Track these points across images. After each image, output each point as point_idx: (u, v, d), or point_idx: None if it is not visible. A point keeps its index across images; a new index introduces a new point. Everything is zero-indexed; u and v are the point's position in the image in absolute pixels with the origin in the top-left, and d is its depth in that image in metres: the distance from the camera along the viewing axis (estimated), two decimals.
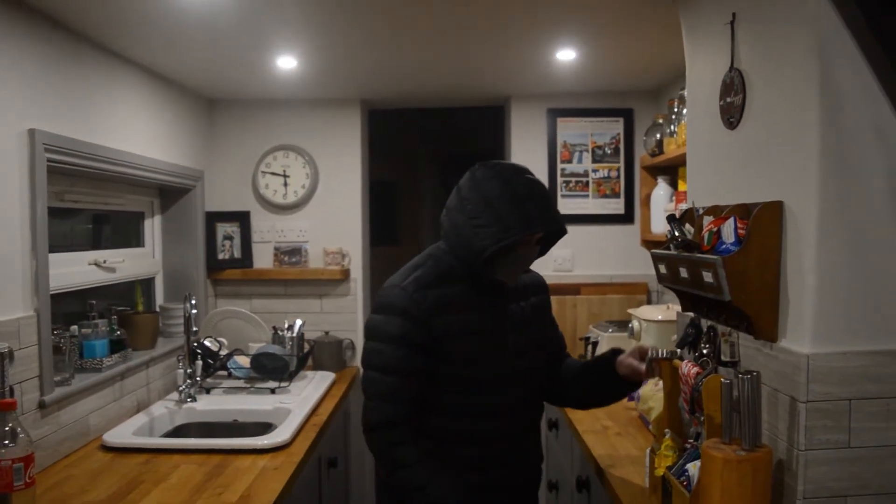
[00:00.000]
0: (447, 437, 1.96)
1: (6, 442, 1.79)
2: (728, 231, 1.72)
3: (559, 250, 3.90)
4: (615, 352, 2.14)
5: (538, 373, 2.13)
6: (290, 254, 3.98)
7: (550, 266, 3.91)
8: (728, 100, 1.90)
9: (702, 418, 1.81)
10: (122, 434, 2.61)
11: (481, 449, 2.00)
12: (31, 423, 2.21)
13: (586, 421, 2.80)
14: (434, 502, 1.87)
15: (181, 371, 3.06)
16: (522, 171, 1.93)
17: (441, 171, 6.63)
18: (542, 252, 2.06)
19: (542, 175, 3.90)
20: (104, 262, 3.05)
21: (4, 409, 1.82)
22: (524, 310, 2.08)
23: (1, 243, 2.18)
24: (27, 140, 2.29)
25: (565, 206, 3.90)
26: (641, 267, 3.83)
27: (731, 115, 1.89)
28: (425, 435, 1.94)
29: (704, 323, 1.98)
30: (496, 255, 1.89)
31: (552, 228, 1.94)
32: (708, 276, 1.70)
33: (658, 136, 3.33)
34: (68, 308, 2.87)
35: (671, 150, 3.11)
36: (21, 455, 1.80)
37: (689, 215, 2.05)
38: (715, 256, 1.67)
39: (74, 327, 2.68)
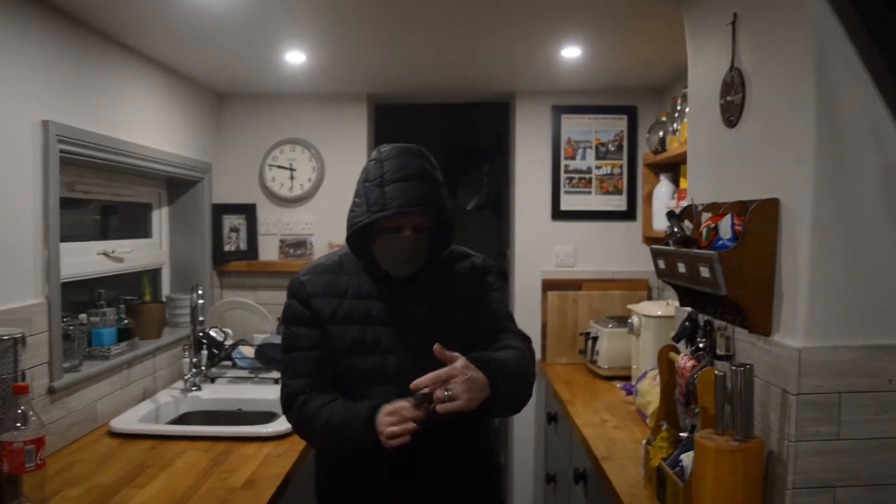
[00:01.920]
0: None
1: (18, 425, 1.84)
2: (725, 227, 1.75)
3: (561, 246, 3.94)
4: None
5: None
6: (296, 246, 4.03)
7: (552, 261, 3.96)
8: (728, 98, 1.94)
9: (696, 410, 1.85)
10: (129, 420, 2.66)
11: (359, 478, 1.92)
12: (40, 407, 2.26)
13: (585, 414, 2.84)
14: (347, 418, 1.78)
15: (187, 360, 3.11)
16: (404, 153, 1.83)
17: (445, 167, 6.66)
18: (443, 243, 1.95)
19: (545, 171, 3.95)
20: (112, 252, 3.10)
21: (17, 392, 1.87)
22: (434, 305, 1.92)
23: (14, 232, 2.23)
24: (41, 131, 2.33)
25: (568, 202, 3.94)
26: (643, 263, 3.86)
27: (731, 114, 1.92)
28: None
29: (701, 317, 2.01)
30: (373, 243, 1.86)
31: (406, 212, 1.77)
32: (705, 271, 1.74)
33: (661, 133, 3.36)
34: (77, 297, 2.92)
35: (674, 147, 3.14)
36: (32, 437, 1.84)
37: (689, 212, 2.08)
38: (712, 252, 1.70)
39: (83, 315, 2.72)
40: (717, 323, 1.92)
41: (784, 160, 1.66)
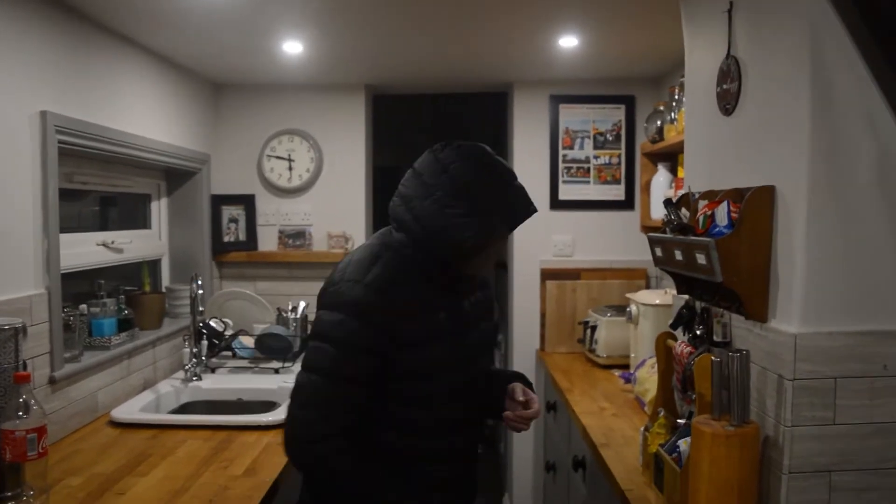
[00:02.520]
0: (397, 456, 1.77)
1: (20, 413, 1.85)
2: (721, 214, 1.76)
3: (560, 235, 3.95)
4: (519, 376, 2.02)
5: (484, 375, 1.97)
6: (295, 237, 4.03)
7: (551, 251, 3.97)
8: (724, 87, 1.94)
9: (694, 397, 1.86)
10: (130, 410, 2.67)
11: (436, 467, 1.82)
12: (41, 397, 2.27)
13: (584, 403, 2.86)
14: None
15: (187, 350, 3.12)
16: (488, 152, 1.74)
17: None
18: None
19: (543, 161, 3.96)
20: (112, 242, 3.11)
21: (19, 381, 1.88)
22: (475, 307, 1.90)
23: (14, 223, 2.23)
24: (39, 122, 2.34)
25: (567, 191, 3.95)
26: (641, 253, 3.87)
27: (728, 102, 1.93)
28: (368, 454, 1.73)
29: (698, 304, 2.02)
30: (474, 249, 1.70)
31: (532, 210, 1.74)
32: (701, 258, 1.75)
33: (659, 123, 3.36)
34: (77, 288, 2.93)
35: (671, 136, 3.14)
36: (34, 426, 1.85)
37: (686, 200, 2.09)
38: (708, 239, 1.71)
39: (83, 306, 2.74)
40: (714, 310, 1.93)
41: (780, 147, 1.67)
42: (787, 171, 1.63)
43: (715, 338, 1.88)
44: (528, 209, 1.72)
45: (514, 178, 1.74)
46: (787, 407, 1.56)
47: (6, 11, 2.17)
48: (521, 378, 2.00)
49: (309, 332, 1.89)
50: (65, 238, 2.57)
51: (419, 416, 1.77)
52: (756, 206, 1.68)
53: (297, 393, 1.71)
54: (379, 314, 1.66)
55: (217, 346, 3.34)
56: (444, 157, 1.71)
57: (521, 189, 1.73)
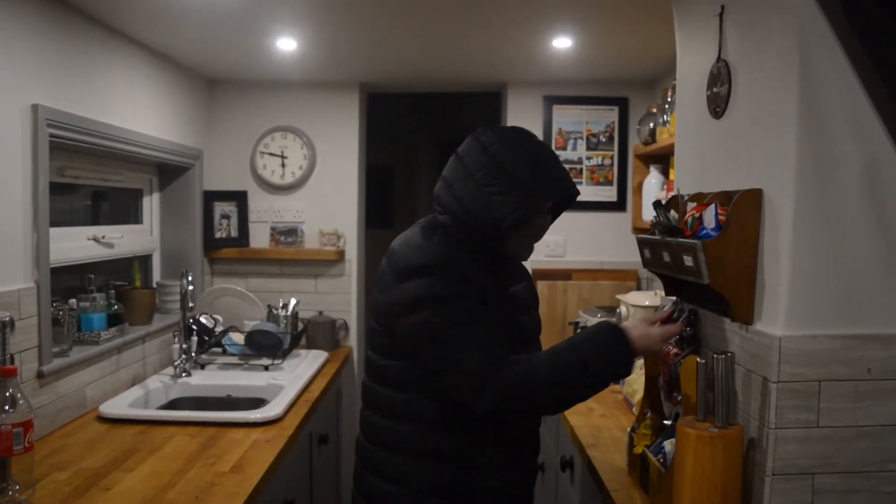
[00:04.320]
0: (473, 439, 1.83)
1: (6, 407, 1.84)
2: (709, 217, 1.77)
3: (552, 236, 3.92)
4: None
5: None
6: (287, 234, 4.03)
7: (542, 251, 3.97)
8: (714, 90, 1.95)
9: (679, 398, 1.87)
10: (118, 405, 2.67)
11: (509, 448, 1.89)
12: (29, 392, 2.27)
13: None
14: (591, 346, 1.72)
15: (177, 346, 3.12)
16: (532, 134, 1.85)
17: (437, 157, 6.69)
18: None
19: None
20: (103, 237, 3.11)
21: (5, 375, 1.87)
22: (523, 293, 2.00)
23: (3, 216, 2.23)
24: (30, 115, 2.33)
25: None
26: (632, 254, 3.86)
27: (717, 105, 1.93)
28: (453, 431, 1.80)
29: (686, 306, 2.03)
30: (512, 227, 1.75)
31: (574, 191, 1.83)
32: (688, 260, 1.75)
33: (651, 125, 3.37)
34: (67, 282, 2.92)
35: (663, 139, 3.15)
36: (21, 420, 1.85)
37: (675, 202, 2.10)
38: (695, 241, 1.72)
39: (73, 300, 2.73)
40: (701, 311, 1.94)
41: (767, 151, 1.67)
42: (775, 175, 1.64)
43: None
44: (570, 189, 1.80)
45: (556, 159, 1.82)
46: (772, 409, 1.57)
47: (1, 7, 2.17)
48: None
49: (400, 311, 1.78)
50: (55, 232, 2.57)
51: None
52: (743, 208, 1.69)
53: (447, 362, 1.71)
54: (457, 265, 1.75)
55: (207, 343, 3.34)
56: (485, 139, 1.78)
57: (563, 170, 1.81)
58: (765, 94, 1.70)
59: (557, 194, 1.78)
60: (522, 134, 1.82)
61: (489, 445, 1.83)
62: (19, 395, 1.88)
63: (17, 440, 1.84)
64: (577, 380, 1.71)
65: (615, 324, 1.75)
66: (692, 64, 2.17)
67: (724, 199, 1.78)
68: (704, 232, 1.77)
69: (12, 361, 2.02)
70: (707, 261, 1.68)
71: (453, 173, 1.81)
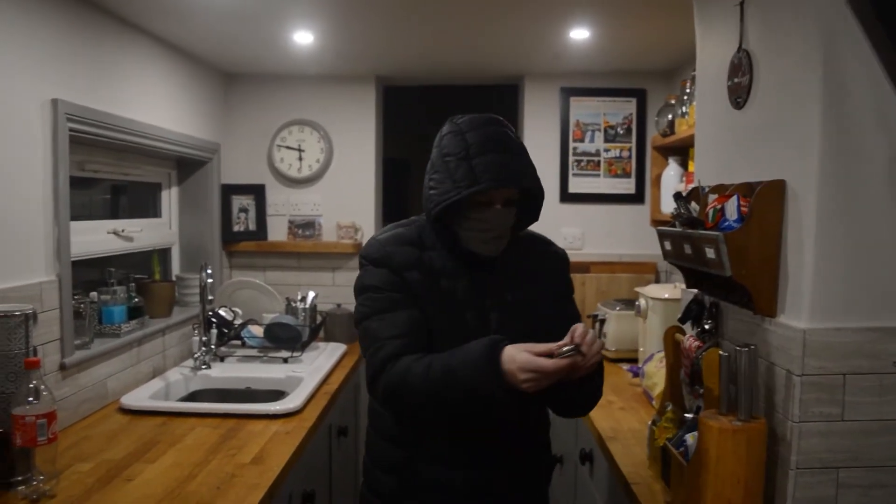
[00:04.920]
0: (422, 429, 1.78)
1: (30, 399, 1.86)
2: (731, 208, 1.76)
3: (569, 228, 3.95)
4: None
5: None
6: (304, 227, 4.04)
7: (560, 243, 3.92)
8: (735, 80, 1.93)
9: (701, 391, 1.86)
10: (139, 397, 2.68)
11: (453, 444, 1.78)
12: (52, 384, 2.28)
13: None
14: (458, 363, 1.60)
15: (196, 339, 3.14)
16: (486, 123, 1.73)
17: None
18: (529, 217, 1.87)
19: (553, 153, 3.95)
20: (122, 231, 3.12)
21: (29, 367, 1.89)
22: (519, 290, 1.83)
23: (25, 210, 2.25)
24: (50, 109, 2.35)
25: (577, 184, 3.94)
26: (651, 247, 3.86)
27: (739, 96, 1.92)
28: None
29: (707, 299, 2.02)
30: (457, 219, 1.74)
31: (503, 185, 1.67)
32: (710, 252, 1.74)
33: (670, 116, 3.35)
34: (87, 276, 2.94)
35: (682, 130, 3.13)
36: (44, 412, 1.87)
37: (695, 194, 2.08)
38: (717, 233, 1.71)
39: (94, 293, 2.75)
40: (722, 304, 1.92)
41: (790, 142, 1.66)
42: (798, 166, 1.62)
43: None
44: (491, 180, 1.64)
45: (489, 149, 1.67)
46: (795, 403, 1.56)
47: (21, 2, 2.18)
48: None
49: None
50: (76, 226, 2.58)
51: None
52: (766, 200, 1.67)
53: (362, 349, 1.79)
54: (390, 262, 1.75)
55: (226, 335, 3.35)
56: (444, 129, 1.78)
57: (494, 159, 1.66)
58: (787, 84, 1.68)
59: (472, 189, 1.64)
60: (473, 122, 1.74)
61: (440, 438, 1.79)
62: (43, 386, 1.90)
63: (41, 431, 1.86)
64: (445, 385, 1.60)
65: (499, 339, 1.61)
66: (712, 54, 2.15)
67: (746, 190, 1.76)
68: (726, 224, 1.76)
69: (35, 354, 2.03)
70: (729, 253, 1.67)
71: (432, 158, 1.80)
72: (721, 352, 1.68)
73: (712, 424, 1.61)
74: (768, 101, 1.78)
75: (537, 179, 1.76)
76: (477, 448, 1.79)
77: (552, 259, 1.98)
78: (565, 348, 1.55)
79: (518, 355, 1.55)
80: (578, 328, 1.58)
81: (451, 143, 1.72)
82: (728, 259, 1.67)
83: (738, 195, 1.74)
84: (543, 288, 1.89)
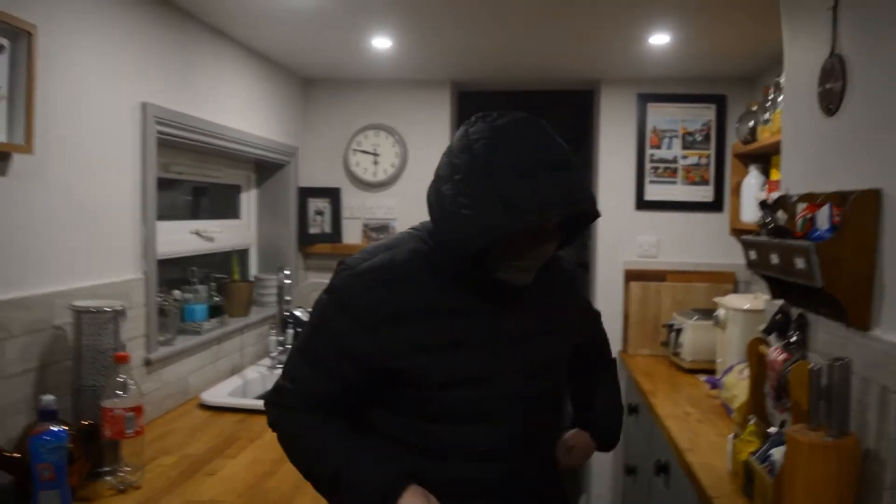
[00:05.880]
0: (430, 485, 1.40)
1: (119, 392, 1.93)
2: (823, 218, 1.71)
3: (645, 236, 3.89)
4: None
5: (549, 398, 1.56)
6: (379, 230, 4.08)
7: (635, 251, 3.91)
8: (827, 86, 1.88)
9: (788, 405, 1.81)
10: (219, 394, 2.75)
11: (476, 499, 1.46)
12: (137, 379, 2.34)
13: (667, 406, 2.81)
14: (357, 474, 1.38)
15: (273, 338, 3.20)
16: (533, 132, 1.35)
17: None
18: (570, 240, 1.50)
19: (629, 160, 3.90)
20: (204, 231, 3.21)
21: (118, 361, 1.96)
22: (539, 316, 1.52)
23: (116, 210, 2.33)
24: (140, 113, 2.43)
25: (653, 192, 3.88)
26: (728, 256, 3.79)
27: (830, 102, 1.86)
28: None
29: (794, 311, 1.96)
30: (492, 249, 1.35)
31: (573, 209, 1.32)
32: (800, 263, 1.69)
33: (751, 123, 3.27)
34: (169, 274, 3.03)
35: (765, 137, 3.06)
36: (132, 405, 1.93)
37: (782, 202, 2.03)
38: (808, 242, 1.66)
39: (176, 292, 2.83)
40: (809, 315, 1.87)
41: (887, 149, 1.60)
42: (895, 174, 1.56)
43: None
44: (554, 209, 1.28)
45: (543, 167, 1.29)
46: (891, 420, 1.50)
47: (111, 8, 2.26)
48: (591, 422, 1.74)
49: None
50: (160, 225, 2.66)
51: (454, 438, 1.44)
52: (860, 209, 1.62)
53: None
54: (362, 313, 1.38)
55: None
56: (473, 134, 1.36)
57: (550, 182, 1.28)
58: (884, 90, 1.62)
59: (529, 221, 1.27)
60: (518, 130, 1.34)
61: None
62: (131, 381, 1.96)
63: (129, 424, 1.92)
64: (329, 484, 1.42)
65: (404, 480, 1.37)
66: (801, 60, 2.09)
67: (838, 199, 1.71)
68: (817, 233, 1.71)
69: (124, 349, 2.10)
70: (821, 263, 1.62)
71: (442, 170, 1.42)
72: (811, 365, 1.63)
73: (802, 440, 1.56)
74: (863, 108, 1.72)
75: (595, 202, 1.39)
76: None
77: (560, 274, 1.62)
78: None
79: None
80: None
81: (494, 154, 1.30)
82: (819, 270, 1.62)
83: (830, 204, 1.69)
84: (560, 309, 1.59)
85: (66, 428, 1.77)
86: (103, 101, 2.25)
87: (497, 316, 1.45)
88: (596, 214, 1.39)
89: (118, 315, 2.08)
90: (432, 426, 1.44)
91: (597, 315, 1.86)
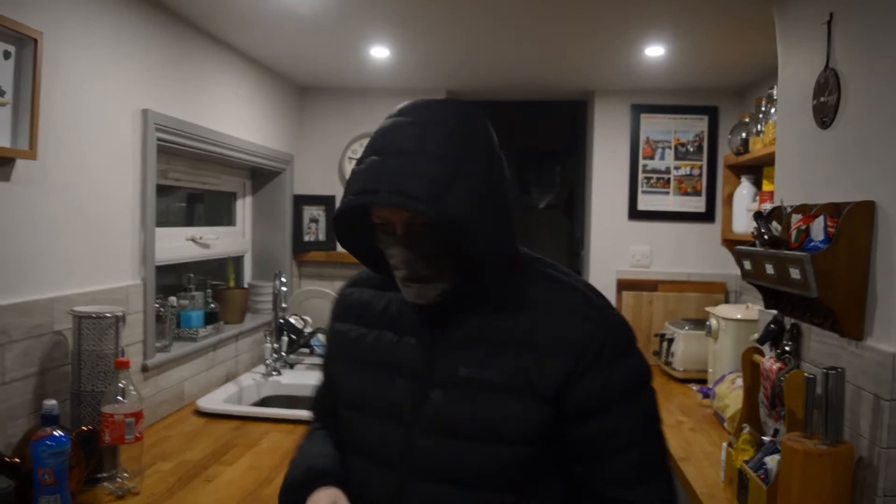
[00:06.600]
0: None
1: (119, 398, 1.93)
2: (817, 229, 1.74)
3: (637, 246, 3.92)
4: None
5: (485, 476, 1.18)
6: None
7: (628, 261, 3.94)
8: (822, 99, 1.91)
9: (782, 413, 1.83)
10: (215, 401, 2.75)
11: None
12: (135, 384, 2.36)
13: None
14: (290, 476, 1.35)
15: (268, 345, 3.20)
16: (400, 115, 1.19)
17: (516, 163, 6.69)
18: (496, 262, 1.18)
19: (622, 170, 3.93)
20: (200, 238, 3.21)
21: (119, 367, 1.96)
22: (483, 365, 1.18)
23: (116, 215, 2.34)
24: (140, 119, 2.44)
25: (645, 202, 3.91)
26: (720, 266, 3.82)
27: (825, 115, 1.89)
28: None
29: (787, 320, 1.99)
30: (338, 237, 1.27)
31: (369, 201, 1.13)
32: (795, 273, 1.72)
33: (743, 134, 3.31)
34: (165, 281, 3.03)
35: (757, 149, 3.09)
36: (132, 411, 1.93)
37: (776, 213, 2.06)
38: (804, 253, 1.69)
39: (173, 298, 2.84)
40: (804, 326, 1.90)
41: (881, 162, 1.63)
42: (889, 186, 1.60)
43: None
44: (361, 190, 1.12)
45: (380, 151, 1.15)
46: (884, 428, 1.53)
47: (114, 15, 2.28)
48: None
49: None
50: (157, 232, 2.67)
51: (351, 454, 1.33)
52: (855, 220, 1.65)
53: None
54: (335, 307, 1.43)
55: (296, 343, 3.41)
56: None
57: (369, 165, 1.14)
58: (879, 103, 1.66)
59: (345, 204, 1.16)
60: (396, 113, 1.21)
61: None
62: (131, 386, 1.97)
63: (128, 430, 1.93)
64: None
65: (326, 480, 1.27)
66: (796, 73, 2.13)
67: (832, 210, 1.74)
68: (812, 244, 1.74)
69: (123, 355, 2.10)
70: (816, 274, 1.65)
71: None
72: (806, 374, 1.66)
73: (797, 447, 1.59)
74: (857, 120, 1.76)
75: (438, 198, 1.09)
76: None
77: (571, 325, 1.19)
78: None
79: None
80: None
81: (374, 134, 1.20)
82: (815, 280, 1.65)
83: (825, 215, 1.72)
84: (536, 365, 1.17)
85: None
86: (105, 108, 2.26)
87: (427, 345, 1.24)
88: (462, 222, 1.10)
89: (118, 321, 2.09)
90: (344, 438, 1.36)
91: (631, 396, 1.27)
